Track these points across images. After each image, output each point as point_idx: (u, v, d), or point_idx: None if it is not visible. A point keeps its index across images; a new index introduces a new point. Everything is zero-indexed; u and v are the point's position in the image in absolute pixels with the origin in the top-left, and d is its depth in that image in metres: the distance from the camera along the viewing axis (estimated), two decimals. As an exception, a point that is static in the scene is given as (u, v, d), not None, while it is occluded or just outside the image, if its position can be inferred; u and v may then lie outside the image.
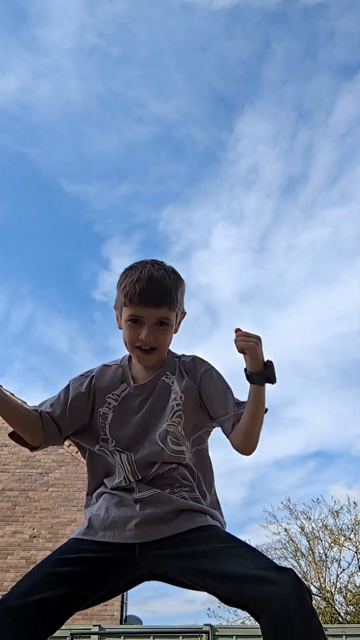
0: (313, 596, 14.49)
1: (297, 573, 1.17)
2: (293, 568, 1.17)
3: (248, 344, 1.36)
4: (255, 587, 1.15)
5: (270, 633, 1.11)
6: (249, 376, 1.38)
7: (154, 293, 1.46)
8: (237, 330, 1.40)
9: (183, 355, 1.65)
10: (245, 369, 1.39)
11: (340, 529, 14.96)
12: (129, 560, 1.38)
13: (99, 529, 1.42)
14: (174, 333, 1.56)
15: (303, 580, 1.17)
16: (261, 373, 1.37)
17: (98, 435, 1.53)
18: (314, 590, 14.61)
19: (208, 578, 1.27)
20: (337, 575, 14.58)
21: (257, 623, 1.16)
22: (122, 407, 1.54)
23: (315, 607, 1.13)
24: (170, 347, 1.60)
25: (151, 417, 1.52)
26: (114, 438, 1.51)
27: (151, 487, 1.44)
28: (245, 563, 1.21)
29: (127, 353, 1.60)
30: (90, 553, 1.37)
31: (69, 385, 1.58)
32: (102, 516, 1.44)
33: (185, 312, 1.60)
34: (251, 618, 1.34)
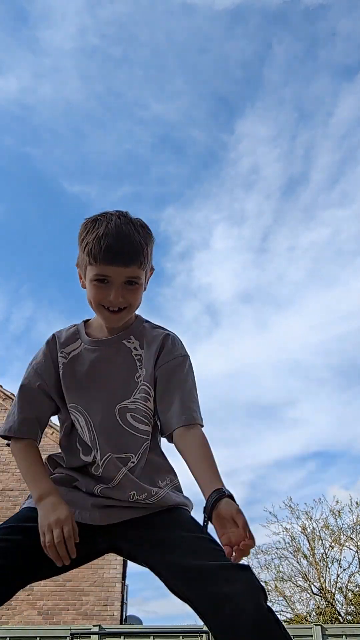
0: (313, 595, 14.52)
1: (254, 571, 1.10)
2: (251, 566, 1.10)
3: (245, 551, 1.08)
4: (208, 585, 1.08)
5: (224, 633, 1.05)
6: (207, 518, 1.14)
7: (122, 251, 1.28)
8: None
9: (150, 322, 1.50)
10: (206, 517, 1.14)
11: (341, 529, 14.95)
12: (86, 535, 1.29)
13: None
14: (143, 291, 1.43)
15: (260, 581, 1.10)
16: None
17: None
18: (314, 590, 14.62)
19: (162, 566, 1.21)
20: (338, 575, 14.56)
21: None
22: (72, 366, 1.43)
23: (271, 606, 1.07)
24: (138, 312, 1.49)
25: (109, 384, 1.40)
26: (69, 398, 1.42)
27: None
28: (201, 557, 1.14)
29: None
30: None
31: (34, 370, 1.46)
32: (63, 491, 1.35)
33: (154, 269, 1.45)
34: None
